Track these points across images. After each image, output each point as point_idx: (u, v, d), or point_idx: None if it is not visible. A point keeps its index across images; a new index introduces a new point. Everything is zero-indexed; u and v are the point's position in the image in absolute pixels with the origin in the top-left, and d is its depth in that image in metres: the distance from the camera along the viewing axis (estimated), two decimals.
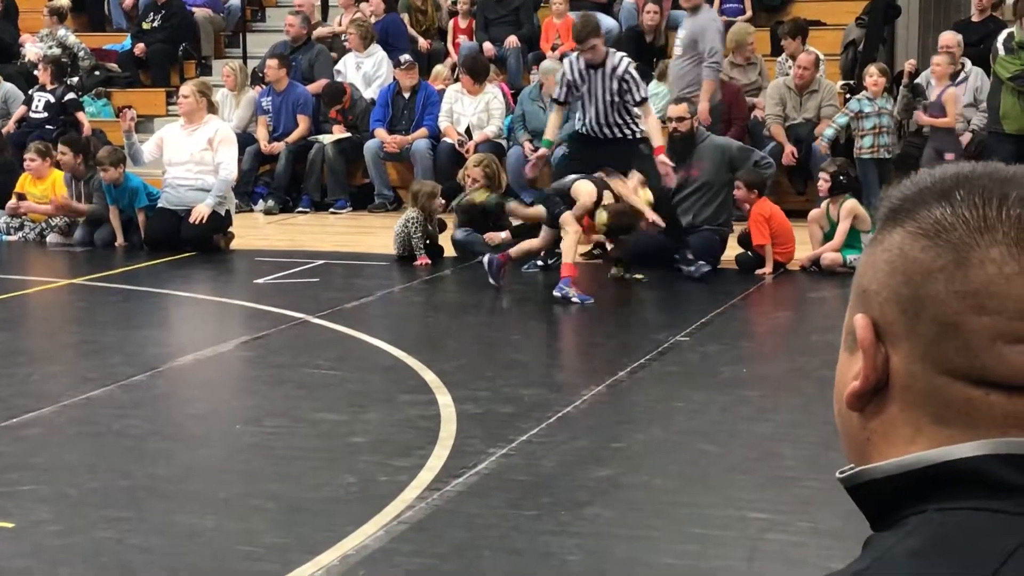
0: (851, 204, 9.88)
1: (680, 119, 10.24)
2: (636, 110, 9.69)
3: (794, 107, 12.36)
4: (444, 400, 6.59)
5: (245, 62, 15.06)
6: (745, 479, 5.46)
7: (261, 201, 13.48)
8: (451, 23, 14.94)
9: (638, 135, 9.76)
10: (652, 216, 9.15)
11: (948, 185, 1.07)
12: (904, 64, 12.43)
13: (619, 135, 9.73)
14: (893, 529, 1.04)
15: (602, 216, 9.07)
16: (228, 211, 11.37)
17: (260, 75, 14.19)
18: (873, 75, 11.38)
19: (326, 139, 13.48)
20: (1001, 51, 11.10)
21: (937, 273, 1.04)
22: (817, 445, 5.87)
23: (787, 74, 12.59)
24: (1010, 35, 11.13)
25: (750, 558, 4.65)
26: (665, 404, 6.54)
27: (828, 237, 9.95)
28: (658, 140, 9.89)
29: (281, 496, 5.39)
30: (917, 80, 11.94)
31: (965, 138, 12.06)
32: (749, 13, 14.25)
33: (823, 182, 9.97)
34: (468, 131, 13.05)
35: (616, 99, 9.63)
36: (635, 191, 9.27)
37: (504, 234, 10.44)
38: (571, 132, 10.36)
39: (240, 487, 5.56)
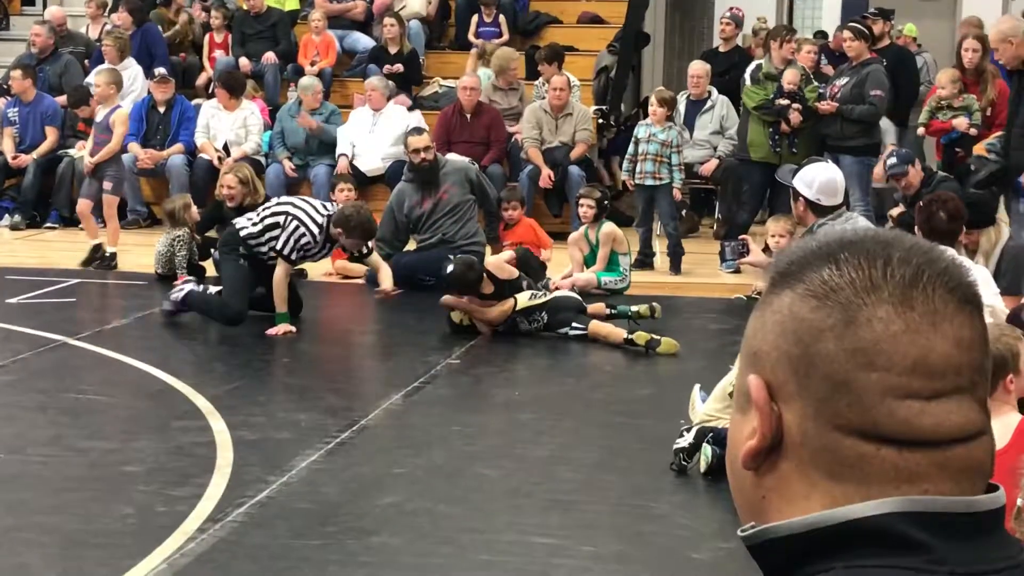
0: (609, 228, 10.07)
1: (426, 148, 10.33)
2: None
3: (550, 130, 12.58)
4: (218, 426, 6.48)
5: None
6: (527, 503, 5.53)
7: (7, 216, 12.98)
8: (207, 38, 14.70)
9: None
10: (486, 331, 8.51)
11: (833, 248, 1.11)
12: (651, 91, 12.75)
13: None
14: None
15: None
16: None
17: (4, 87, 13.66)
18: (653, 104, 10.94)
19: (76, 152, 13.06)
20: (748, 82, 11.57)
21: (827, 332, 1.08)
22: (592, 467, 6.01)
23: (543, 98, 12.80)
24: (758, 66, 11.60)
25: None
26: (442, 428, 6.57)
27: (588, 257, 10.11)
28: None
29: (55, 529, 5.21)
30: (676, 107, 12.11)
31: (711, 164, 12.52)
32: (506, 37, 14.44)
33: (587, 208, 9.92)
34: (226, 147, 12.85)
35: None
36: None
37: None
38: None
39: (10, 520, 5.36)
